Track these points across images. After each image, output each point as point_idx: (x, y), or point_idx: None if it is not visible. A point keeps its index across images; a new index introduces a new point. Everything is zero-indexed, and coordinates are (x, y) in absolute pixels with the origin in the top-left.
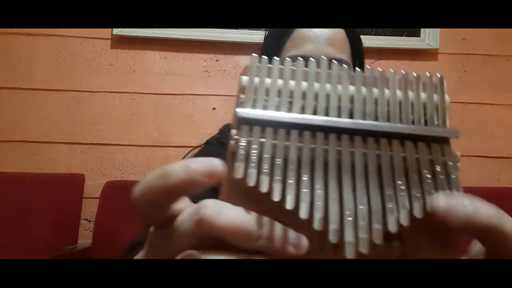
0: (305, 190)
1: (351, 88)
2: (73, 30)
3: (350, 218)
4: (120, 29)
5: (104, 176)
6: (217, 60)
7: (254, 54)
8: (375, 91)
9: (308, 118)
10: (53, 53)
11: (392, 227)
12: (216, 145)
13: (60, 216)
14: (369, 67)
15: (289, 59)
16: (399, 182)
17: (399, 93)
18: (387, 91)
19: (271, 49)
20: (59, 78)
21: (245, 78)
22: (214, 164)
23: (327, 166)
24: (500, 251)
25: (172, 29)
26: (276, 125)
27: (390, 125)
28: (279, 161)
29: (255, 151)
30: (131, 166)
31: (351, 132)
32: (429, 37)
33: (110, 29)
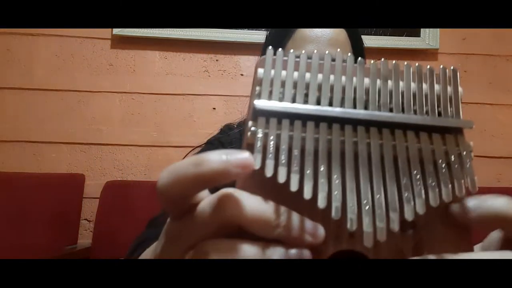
0: (322, 180)
1: (366, 80)
2: (73, 30)
3: (367, 207)
4: (120, 29)
5: (104, 176)
6: (217, 60)
7: (270, 47)
8: (390, 83)
9: (324, 109)
10: (53, 53)
11: (409, 215)
12: (217, 145)
13: (60, 216)
14: (384, 59)
15: (305, 52)
16: (415, 172)
17: (413, 85)
18: (401, 83)
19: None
20: (59, 78)
21: (261, 70)
22: (247, 156)
23: (344, 157)
24: None
25: (172, 29)
26: (292, 117)
27: (405, 116)
28: (296, 152)
29: (272, 143)
30: (131, 166)
31: (367, 123)
32: (429, 37)
33: (110, 29)
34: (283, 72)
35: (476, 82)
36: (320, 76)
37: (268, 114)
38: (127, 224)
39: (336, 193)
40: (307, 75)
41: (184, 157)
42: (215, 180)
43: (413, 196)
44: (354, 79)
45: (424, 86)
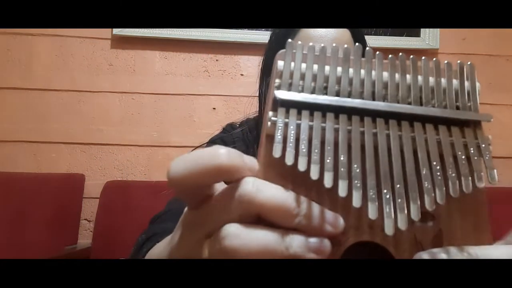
0: (342, 169)
1: (385, 73)
2: (73, 30)
3: (388, 196)
4: (120, 29)
5: (104, 176)
6: (217, 60)
7: (290, 40)
8: (408, 77)
9: (344, 100)
10: (53, 53)
11: (429, 206)
12: (220, 144)
13: (60, 216)
14: (402, 54)
15: (324, 45)
16: (435, 163)
17: (431, 79)
18: (420, 77)
19: (276, 49)
20: (59, 78)
21: (281, 63)
22: (256, 162)
23: (364, 147)
24: None
25: (172, 29)
26: (312, 108)
27: (424, 108)
28: (316, 142)
29: (293, 132)
30: (131, 166)
31: (386, 115)
32: (429, 37)
33: (110, 29)
34: (303, 65)
35: None
36: (339, 69)
37: (288, 105)
38: (127, 224)
39: (357, 182)
40: (327, 68)
41: None
42: (231, 175)
43: (434, 187)
44: (373, 72)
45: (443, 80)
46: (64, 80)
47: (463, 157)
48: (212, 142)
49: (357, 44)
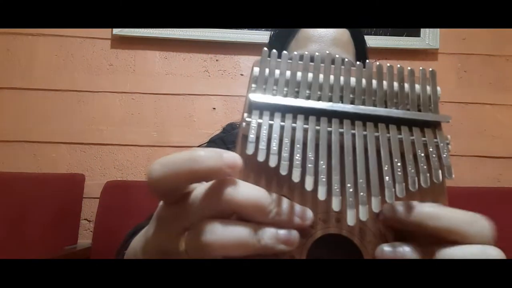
0: (310, 165)
1: (353, 79)
2: (73, 30)
3: (351, 190)
4: (120, 29)
5: (104, 176)
6: (217, 60)
7: (265, 48)
8: (374, 82)
9: (313, 103)
10: (53, 53)
11: (389, 199)
12: (220, 144)
13: (60, 216)
14: (368, 61)
15: (297, 53)
16: (396, 160)
17: (396, 84)
18: (385, 82)
19: (276, 49)
20: (59, 78)
21: (256, 69)
22: (239, 158)
23: (330, 146)
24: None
25: (172, 29)
26: (284, 110)
27: (388, 110)
28: (286, 141)
29: (265, 132)
30: (131, 166)
31: (353, 117)
32: (429, 37)
33: (110, 29)
34: (277, 71)
35: (476, 82)
36: (310, 75)
37: (262, 108)
38: (127, 224)
39: (322, 177)
40: (298, 74)
41: None
42: (208, 177)
43: (394, 181)
44: (342, 78)
45: (406, 85)
46: (64, 80)
47: (423, 154)
48: (212, 142)
49: (327, 52)
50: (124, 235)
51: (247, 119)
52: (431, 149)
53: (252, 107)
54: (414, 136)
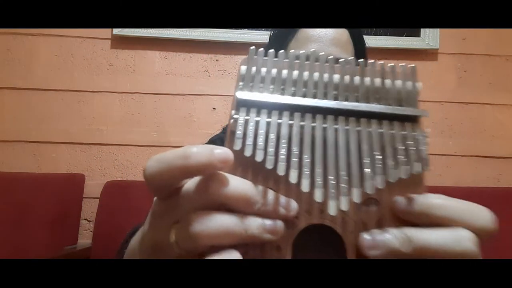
0: (294, 159)
1: (336, 76)
2: (73, 30)
3: (333, 182)
4: (120, 29)
5: (104, 176)
6: (217, 60)
7: (252, 47)
8: (357, 78)
9: (298, 100)
10: (53, 53)
11: (370, 190)
12: (219, 144)
13: (60, 216)
14: (350, 58)
15: (282, 51)
16: (376, 153)
17: (377, 80)
18: (367, 79)
19: (276, 49)
20: (59, 78)
21: (243, 67)
22: (230, 153)
23: (314, 141)
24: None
25: (172, 29)
26: (270, 107)
27: (369, 105)
28: (272, 136)
29: (252, 128)
30: (131, 166)
31: (336, 113)
32: (429, 37)
33: (110, 29)
34: (263, 69)
35: (476, 82)
36: (295, 72)
37: (249, 105)
38: (127, 224)
39: (306, 170)
40: (284, 71)
41: None
42: (200, 173)
43: (374, 173)
44: (325, 75)
45: (387, 81)
46: (64, 80)
47: (402, 147)
48: (211, 142)
49: (312, 50)
50: (124, 234)
51: (235, 116)
52: (410, 142)
53: (239, 105)
54: (394, 130)
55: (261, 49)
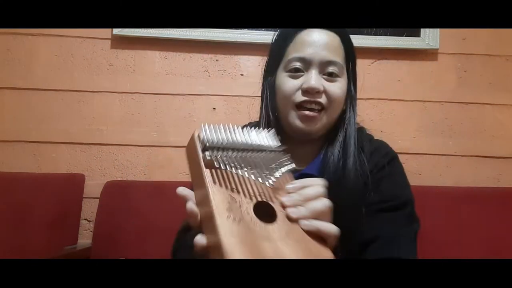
0: (242, 165)
1: (253, 138)
2: (73, 30)
3: (265, 175)
4: (120, 29)
5: (104, 176)
6: (217, 60)
7: (203, 124)
8: (261, 140)
9: (237, 149)
10: (53, 53)
11: (271, 183)
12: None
13: (60, 216)
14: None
15: (230, 126)
16: (264, 169)
17: (266, 143)
18: (266, 141)
19: (277, 51)
20: (59, 78)
21: (201, 135)
22: (195, 208)
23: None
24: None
25: (172, 29)
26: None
27: (261, 148)
28: (226, 161)
29: (218, 155)
30: (131, 166)
31: (253, 151)
32: (429, 37)
33: (110, 29)
34: (215, 135)
35: (476, 82)
36: (238, 137)
37: (213, 149)
38: (127, 224)
39: (252, 171)
40: (230, 137)
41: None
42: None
43: (264, 178)
44: (248, 139)
45: (266, 143)
46: (64, 80)
47: (272, 166)
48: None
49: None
50: (124, 234)
51: (208, 156)
52: (275, 165)
53: (207, 150)
54: (272, 156)
55: (209, 127)
